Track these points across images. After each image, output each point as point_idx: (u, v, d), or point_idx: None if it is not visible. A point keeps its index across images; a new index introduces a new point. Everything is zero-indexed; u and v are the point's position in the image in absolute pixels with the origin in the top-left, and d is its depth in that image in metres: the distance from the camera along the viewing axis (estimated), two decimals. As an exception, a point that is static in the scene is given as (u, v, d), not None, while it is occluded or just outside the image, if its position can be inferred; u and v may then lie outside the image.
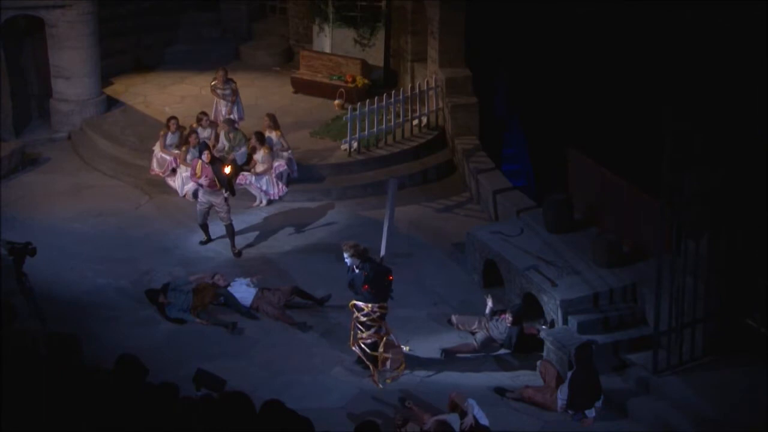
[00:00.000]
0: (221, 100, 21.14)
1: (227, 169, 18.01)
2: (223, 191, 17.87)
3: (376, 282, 14.78)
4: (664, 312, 14.77)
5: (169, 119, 20.60)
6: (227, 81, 21.14)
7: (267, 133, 19.89)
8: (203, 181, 17.80)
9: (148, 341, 15.40)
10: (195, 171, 17.96)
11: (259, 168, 19.68)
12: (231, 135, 20.03)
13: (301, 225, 19.19)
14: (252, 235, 18.74)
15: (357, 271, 14.79)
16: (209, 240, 18.43)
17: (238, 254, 18.11)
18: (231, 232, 18.13)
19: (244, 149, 19.94)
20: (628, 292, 16.02)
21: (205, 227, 18.34)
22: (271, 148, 19.71)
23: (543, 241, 17.21)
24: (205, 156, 17.85)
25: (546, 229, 17.47)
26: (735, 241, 14.85)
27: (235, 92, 21.12)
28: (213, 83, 21.30)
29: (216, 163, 17.96)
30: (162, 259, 17.93)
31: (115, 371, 9.88)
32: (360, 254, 14.81)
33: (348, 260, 14.85)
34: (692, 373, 14.82)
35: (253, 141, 19.77)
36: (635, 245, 16.60)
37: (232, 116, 20.79)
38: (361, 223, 18.97)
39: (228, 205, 18.00)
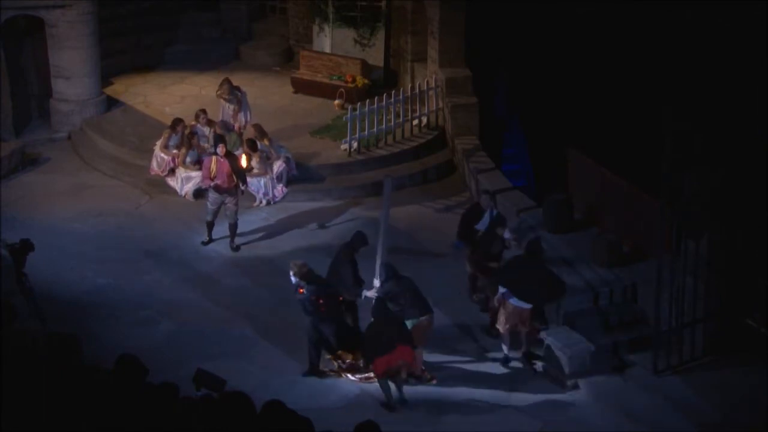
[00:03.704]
0: (228, 104, 21.03)
1: (243, 162, 18.11)
2: (240, 185, 17.91)
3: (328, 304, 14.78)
4: (664, 312, 14.77)
5: (178, 123, 20.36)
6: (232, 91, 20.88)
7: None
8: (218, 181, 17.72)
9: (148, 341, 15.40)
10: (210, 170, 17.88)
11: (254, 172, 19.68)
12: (226, 137, 19.98)
13: (302, 225, 19.19)
14: (252, 235, 18.73)
15: (304, 292, 14.67)
16: (211, 240, 18.42)
17: (237, 249, 18.18)
18: (233, 231, 18.15)
19: (240, 151, 19.90)
20: (628, 292, 16.02)
21: (211, 225, 18.32)
22: (265, 155, 19.70)
23: (543, 241, 17.19)
24: (220, 149, 17.83)
25: (546, 229, 17.46)
26: (735, 241, 14.84)
27: (240, 101, 20.98)
28: (218, 93, 21.18)
29: (231, 156, 17.94)
30: (162, 259, 17.94)
31: (115, 371, 9.86)
32: (304, 275, 14.71)
33: (293, 279, 14.77)
34: (692, 373, 14.83)
35: (246, 149, 19.68)
36: (635, 245, 16.60)
37: (238, 117, 20.75)
38: (362, 223, 18.91)
39: (237, 204, 18.01)
